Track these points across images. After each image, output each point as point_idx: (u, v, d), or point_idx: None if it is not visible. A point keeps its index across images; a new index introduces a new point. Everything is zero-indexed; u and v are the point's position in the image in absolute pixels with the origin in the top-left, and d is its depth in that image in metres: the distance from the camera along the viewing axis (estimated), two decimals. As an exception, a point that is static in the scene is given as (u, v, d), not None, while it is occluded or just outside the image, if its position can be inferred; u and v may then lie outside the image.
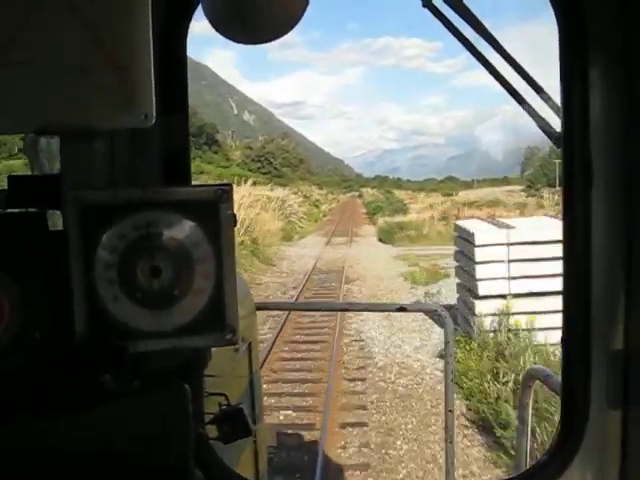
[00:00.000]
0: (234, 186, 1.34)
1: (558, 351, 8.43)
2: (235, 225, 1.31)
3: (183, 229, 1.27)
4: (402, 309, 3.85)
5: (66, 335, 1.24)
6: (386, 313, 15.26)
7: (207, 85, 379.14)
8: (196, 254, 1.27)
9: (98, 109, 1.26)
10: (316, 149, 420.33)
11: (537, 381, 3.27)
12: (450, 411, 3.67)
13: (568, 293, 1.74)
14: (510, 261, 11.37)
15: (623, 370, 1.65)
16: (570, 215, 1.70)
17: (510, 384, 8.71)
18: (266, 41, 1.56)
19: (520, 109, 1.77)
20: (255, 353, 3.04)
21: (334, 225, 50.24)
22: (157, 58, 1.28)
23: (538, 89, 1.73)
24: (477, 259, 11.62)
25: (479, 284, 11.58)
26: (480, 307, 11.46)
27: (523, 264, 11.06)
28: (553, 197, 57.72)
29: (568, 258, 1.73)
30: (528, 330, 10.39)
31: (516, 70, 1.73)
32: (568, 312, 1.74)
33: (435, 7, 1.78)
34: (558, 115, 1.70)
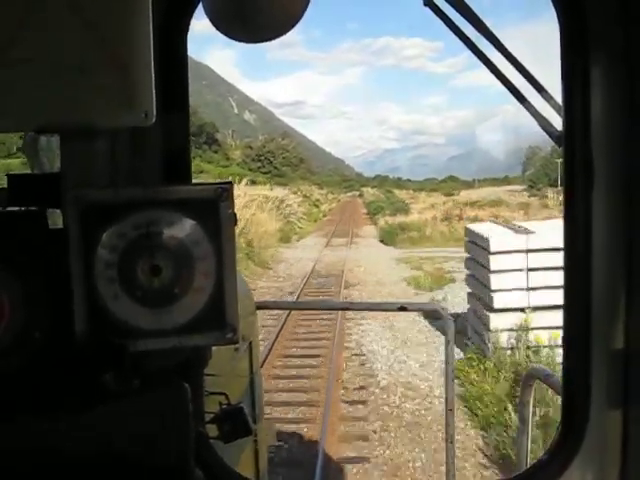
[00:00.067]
0: None
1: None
2: (235, 224, 1.30)
3: (183, 228, 1.27)
4: (403, 308, 3.77)
5: (66, 334, 1.24)
6: (389, 324, 14.16)
7: (207, 84, 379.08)
8: (196, 253, 1.27)
9: (99, 108, 1.26)
10: (316, 149, 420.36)
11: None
12: (450, 410, 3.65)
13: (569, 292, 1.72)
14: (530, 270, 10.15)
15: (624, 370, 1.64)
16: (571, 214, 1.69)
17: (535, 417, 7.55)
18: (266, 40, 1.58)
19: (521, 109, 1.76)
20: (256, 352, 3.03)
21: (334, 225, 49.13)
22: (157, 57, 1.28)
23: (539, 88, 1.71)
24: (492, 267, 10.39)
25: (494, 296, 10.37)
26: (495, 321, 10.28)
27: (544, 273, 9.74)
28: (557, 197, 56.76)
29: (569, 257, 1.72)
30: (550, 347, 9.19)
31: (517, 69, 1.71)
32: (569, 311, 1.73)
33: (436, 5, 1.76)
34: (559, 114, 1.69)
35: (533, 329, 9.72)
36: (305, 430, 8.42)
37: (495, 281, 10.41)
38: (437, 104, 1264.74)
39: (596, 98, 1.62)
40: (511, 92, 1.75)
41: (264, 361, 10.68)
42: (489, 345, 10.15)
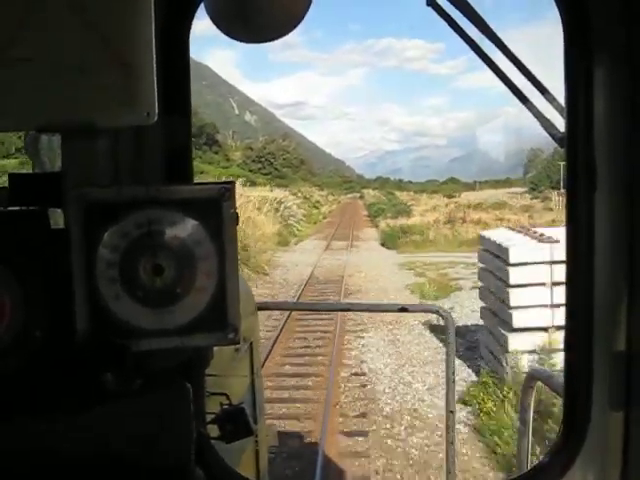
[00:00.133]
0: None
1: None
2: (237, 223, 1.29)
3: (185, 227, 1.26)
4: (404, 309, 3.75)
5: (68, 334, 1.23)
6: (392, 337, 13.00)
7: (208, 85, 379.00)
8: (198, 252, 1.26)
9: (100, 107, 1.25)
10: (317, 150, 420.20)
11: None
12: (451, 412, 3.64)
13: (571, 294, 1.72)
14: (554, 284, 8.91)
15: (625, 371, 1.63)
16: (573, 216, 1.69)
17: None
18: (268, 40, 1.59)
19: (522, 111, 1.75)
20: (256, 353, 3.01)
21: (334, 228, 47.92)
22: (160, 56, 1.27)
23: (542, 89, 1.71)
24: (512, 281, 9.16)
25: (514, 313, 9.15)
26: (515, 342, 9.12)
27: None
28: (561, 200, 55.77)
29: (571, 259, 1.71)
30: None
31: (520, 70, 1.71)
32: (571, 313, 1.72)
33: (439, 6, 1.75)
34: (562, 115, 1.68)
35: (558, 351, 8.50)
36: (297, 469, 7.26)
37: (515, 296, 9.18)
38: (439, 105, 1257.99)
39: (599, 99, 1.61)
40: (514, 93, 1.74)
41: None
42: (507, 369, 8.98)
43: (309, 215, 58.81)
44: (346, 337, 13.46)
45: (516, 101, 1.74)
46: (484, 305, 10.74)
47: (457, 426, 8.27)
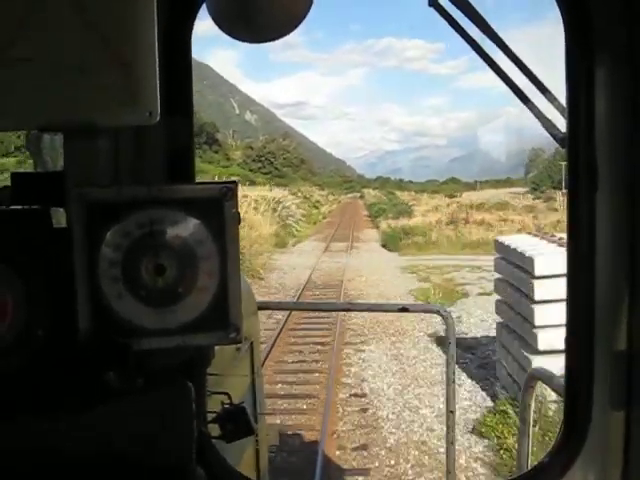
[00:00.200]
0: None
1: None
2: (239, 223, 1.29)
3: (187, 227, 1.26)
4: (404, 309, 3.74)
5: (70, 333, 1.23)
6: (395, 352, 11.84)
7: (209, 85, 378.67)
8: (200, 252, 1.26)
9: (102, 106, 1.25)
10: (318, 150, 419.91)
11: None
12: (451, 412, 3.59)
13: (572, 294, 1.71)
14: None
15: (626, 371, 1.63)
16: (574, 215, 1.68)
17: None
18: (269, 40, 1.59)
19: (523, 111, 1.76)
20: (257, 352, 3.02)
21: (334, 228, 46.71)
22: (162, 56, 1.27)
23: (543, 89, 1.71)
24: (537, 296, 7.96)
25: (539, 333, 7.97)
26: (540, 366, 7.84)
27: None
28: (565, 200, 54.60)
29: (572, 259, 1.71)
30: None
31: (521, 70, 1.71)
32: (572, 313, 1.72)
33: (441, 6, 1.75)
34: (563, 115, 1.68)
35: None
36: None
37: (541, 314, 7.97)
38: (439, 105, 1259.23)
39: (600, 99, 1.60)
40: (515, 93, 1.74)
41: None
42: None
43: (309, 215, 57.92)
44: (345, 350, 12.32)
45: (517, 101, 1.74)
46: (501, 321, 9.54)
47: (473, 464, 7.13)
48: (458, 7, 1.70)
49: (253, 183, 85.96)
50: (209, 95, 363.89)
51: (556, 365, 6.55)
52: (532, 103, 1.73)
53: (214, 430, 1.51)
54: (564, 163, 1.85)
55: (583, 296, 1.67)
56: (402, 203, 66.21)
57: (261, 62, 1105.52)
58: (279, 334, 12.90)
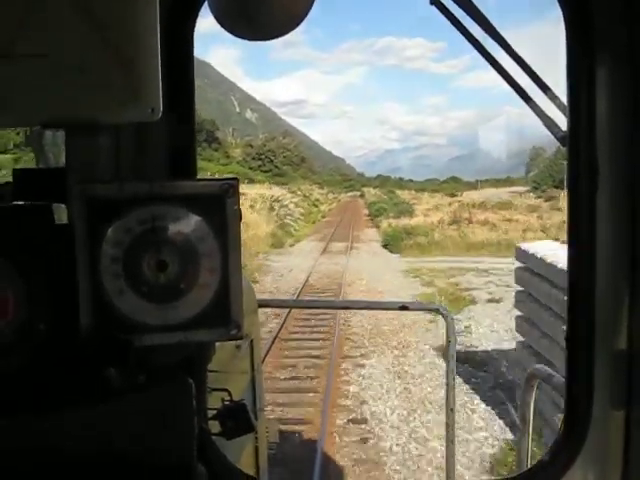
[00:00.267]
0: None
1: None
2: (241, 220, 1.29)
3: (189, 223, 1.26)
4: (404, 307, 3.73)
5: (71, 329, 1.23)
6: (399, 367, 10.72)
7: (210, 83, 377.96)
8: (202, 248, 1.26)
9: (103, 103, 1.25)
10: (318, 148, 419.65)
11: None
12: (451, 410, 3.53)
13: (573, 293, 1.71)
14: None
15: (627, 371, 1.63)
16: (575, 214, 1.68)
17: None
18: (271, 38, 1.58)
19: (523, 110, 1.75)
20: (257, 350, 3.02)
21: (333, 228, 45.61)
22: (164, 53, 1.27)
23: (545, 88, 1.71)
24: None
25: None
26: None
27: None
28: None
29: (573, 258, 1.70)
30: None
31: (523, 68, 1.70)
32: (573, 312, 1.71)
33: (442, 4, 1.75)
34: (564, 114, 1.67)
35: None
36: None
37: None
38: (439, 104, 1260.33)
39: (601, 98, 1.60)
40: (516, 91, 1.73)
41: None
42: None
43: (308, 214, 57.00)
44: (343, 365, 11.19)
45: (517, 100, 1.73)
46: (522, 340, 8.37)
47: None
48: (459, 5, 1.69)
49: (252, 181, 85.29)
50: (209, 93, 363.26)
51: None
52: (533, 101, 1.72)
53: (214, 427, 1.51)
54: (565, 162, 1.74)
55: (583, 295, 1.65)
56: (403, 202, 65.09)
57: (262, 60, 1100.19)
58: (271, 345, 11.82)
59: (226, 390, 1.52)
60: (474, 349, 11.64)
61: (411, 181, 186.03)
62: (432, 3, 1.74)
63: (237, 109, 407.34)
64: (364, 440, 7.98)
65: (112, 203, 1.22)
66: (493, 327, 13.31)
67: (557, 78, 1.70)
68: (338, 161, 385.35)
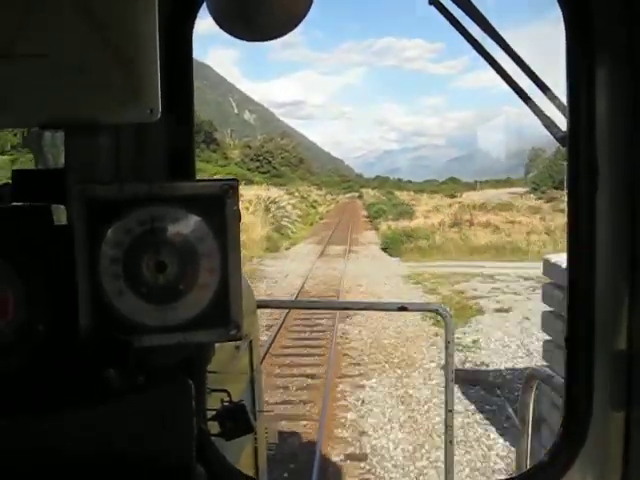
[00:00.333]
0: None
1: None
2: (240, 220, 1.29)
3: (188, 224, 1.26)
4: (403, 308, 3.74)
5: (70, 330, 1.23)
6: (403, 390, 9.62)
7: (208, 85, 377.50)
8: (201, 249, 1.26)
9: (103, 104, 1.25)
10: (316, 149, 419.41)
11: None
12: (450, 411, 3.53)
13: (572, 294, 1.70)
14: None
15: (626, 371, 1.62)
16: (574, 215, 1.67)
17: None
18: (270, 39, 1.59)
19: (523, 110, 1.74)
20: (256, 350, 3.00)
21: (331, 230, 44.50)
22: (163, 54, 1.27)
23: (544, 88, 1.70)
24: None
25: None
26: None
27: None
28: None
29: (572, 259, 1.70)
30: None
31: (522, 69, 1.69)
32: (572, 313, 1.70)
33: (441, 4, 1.75)
34: (564, 114, 1.67)
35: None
36: None
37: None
38: (437, 105, 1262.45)
39: (601, 99, 1.59)
40: (515, 92, 1.72)
41: None
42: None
43: (305, 215, 56.07)
44: (340, 387, 10.08)
45: (517, 100, 1.73)
46: (548, 364, 7.21)
47: None
48: (458, 5, 1.68)
49: (250, 182, 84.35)
50: (208, 94, 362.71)
51: None
52: (533, 102, 1.71)
53: (213, 428, 1.51)
54: (565, 162, 1.71)
55: (583, 296, 1.65)
56: (402, 203, 63.89)
57: (260, 61, 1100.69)
58: (262, 361, 10.69)
59: (225, 391, 1.53)
60: (485, 368, 10.54)
61: (410, 182, 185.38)
62: (431, 3, 1.73)
63: (235, 110, 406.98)
64: (364, 482, 6.88)
65: (111, 204, 1.22)
66: (504, 341, 12.20)
67: (557, 78, 1.67)
68: (337, 162, 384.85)
